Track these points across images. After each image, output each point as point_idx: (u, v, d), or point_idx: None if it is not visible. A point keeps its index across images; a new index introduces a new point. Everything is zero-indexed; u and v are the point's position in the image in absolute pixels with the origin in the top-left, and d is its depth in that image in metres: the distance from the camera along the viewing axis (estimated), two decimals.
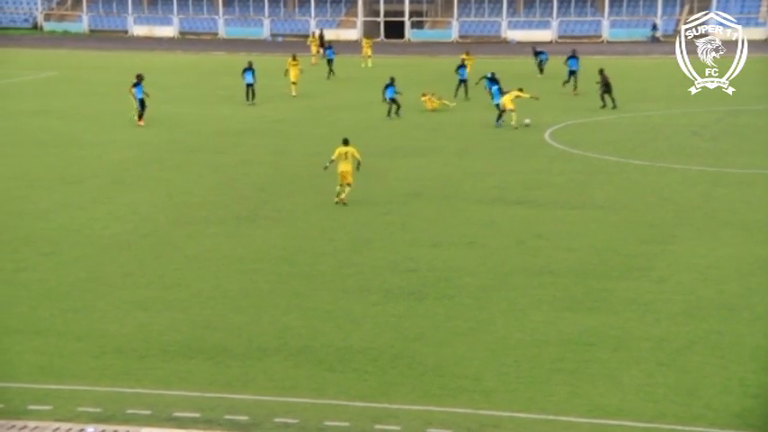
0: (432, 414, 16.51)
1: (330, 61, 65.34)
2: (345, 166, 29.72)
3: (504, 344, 19.39)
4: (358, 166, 30.02)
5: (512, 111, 43.76)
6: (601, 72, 50.19)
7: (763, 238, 26.63)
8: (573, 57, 55.72)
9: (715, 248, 25.63)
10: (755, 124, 44.97)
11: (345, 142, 30.08)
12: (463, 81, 53.00)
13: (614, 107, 48.73)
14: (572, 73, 55.08)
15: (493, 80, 47.56)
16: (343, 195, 29.90)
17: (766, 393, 17.13)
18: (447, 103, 50.20)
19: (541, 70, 62.88)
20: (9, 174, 35.52)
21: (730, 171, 34.96)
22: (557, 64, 67.37)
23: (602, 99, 49.33)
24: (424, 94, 50.00)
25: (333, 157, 29.91)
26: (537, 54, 64.53)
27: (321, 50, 79.00)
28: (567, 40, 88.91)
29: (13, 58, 78.93)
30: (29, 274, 24.01)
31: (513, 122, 43.70)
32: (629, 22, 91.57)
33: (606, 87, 49.51)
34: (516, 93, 44.46)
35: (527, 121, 43.97)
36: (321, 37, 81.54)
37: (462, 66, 53.59)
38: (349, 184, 29.87)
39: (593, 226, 27.89)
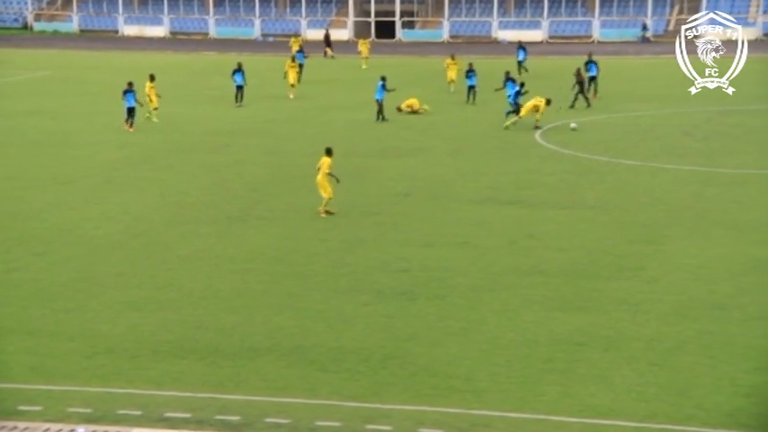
0: (423, 414, 16.53)
1: (300, 66, 61.49)
2: (318, 178, 28.84)
3: (496, 344, 19.43)
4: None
5: (519, 118, 43.66)
6: (578, 72, 49.96)
7: (755, 237, 26.69)
8: (591, 62, 53.20)
9: (706, 248, 25.68)
10: (747, 124, 45.10)
11: (327, 152, 29.02)
12: (472, 87, 51.70)
13: (571, 106, 48.45)
14: (592, 79, 52.37)
15: (510, 80, 47.33)
16: (320, 207, 28.90)
17: (757, 393, 17.18)
18: (426, 107, 49.54)
19: (525, 69, 61.94)
20: (2, 174, 35.45)
21: (721, 171, 35.04)
22: (546, 63, 67.48)
23: (579, 98, 49.07)
24: (399, 108, 48.82)
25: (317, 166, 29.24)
26: (519, 49, 64.25)
27: (329, 51, 78.89)
28: (558, 41, 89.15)
29: (3, 57, 78.72)
30: (21, 274, 23.99)
31: (506, 122, 43.86)
32: (620, 22, 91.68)
33: (580, 86, 49.36)
34: (537, 102, 43.96)
35: (573, 125, 43.79)
36: (327, 37, 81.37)
37: (471, 71, 52.06)
38: (324, 196, 28.77)
39: (584, 226, 27.94)
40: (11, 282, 23.47)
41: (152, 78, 46.49)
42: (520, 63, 62.78)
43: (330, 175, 28.87)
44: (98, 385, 17.71)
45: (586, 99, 49.33)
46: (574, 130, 43.16)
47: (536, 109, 43.59)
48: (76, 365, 18.62)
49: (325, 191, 28.83)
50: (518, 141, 41.26)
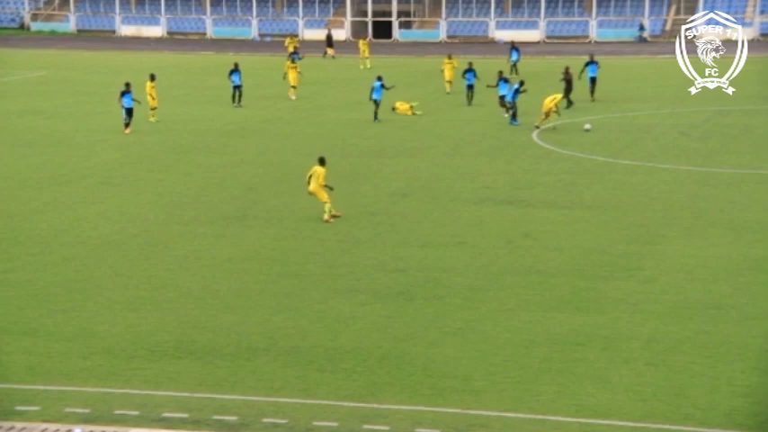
0: (421, 414, 16.53)
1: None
2: (311, 186, 28.31)
3: (493, 344, 19.43)
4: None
5: (550, 113, 43.45)
6: (566, 70, 49.76)
7: (752, 237, 26.72)
8: (592, 62, 52.13)
9: (703, 248, 25.71)
10: (743, 124, 45.13)
11: (319, 161, 28.54)
12: (470, 86, 51.13)
13: (567, 107, 48.31)
14: (592, 80, 51.56)
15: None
16: (326, 216, 28.31)
17: (755, 393, 17.20)
18: (414, 106, 49.34)
19: (516, 70, 61.63)
20: None
21: (718, 171, 35.06)
22: (543, 64, 67.55)
23: (567, 99, 48.94)
24: (394, 108, 48.64)
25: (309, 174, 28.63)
26: (512, 50, 64.08)
27: (330, 51, 78.72)
28: (555, 41, 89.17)
29: (0, 57, 78.65)
30: (18, 275, 23.97)
31: (540, 122, 43.71)
32: (617, 22, 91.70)
33: (568, 86, 49.17)
34: (555, 96, 43.77)
35: (587, 126, 43.67)
36: (329, 37, 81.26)
37: (469, 70, 51.52)
38: (325, 202, 28.34)
39: (581, 226, 27.95)
40: (8, 282, 23.45)
41: (152, 78, 46.37)
42: (513, 63, 62.63)
43: (325, 186, 28.29)
44: (95, 385, 17.71)
45: (569, 100, 49.12)
46: (587, 131, 42.89)
47: (553, 99, 43.44)
48: (74, 366, 18.62)
49: (323, 197, 28.37)
50: (515, 141, 41.27)
